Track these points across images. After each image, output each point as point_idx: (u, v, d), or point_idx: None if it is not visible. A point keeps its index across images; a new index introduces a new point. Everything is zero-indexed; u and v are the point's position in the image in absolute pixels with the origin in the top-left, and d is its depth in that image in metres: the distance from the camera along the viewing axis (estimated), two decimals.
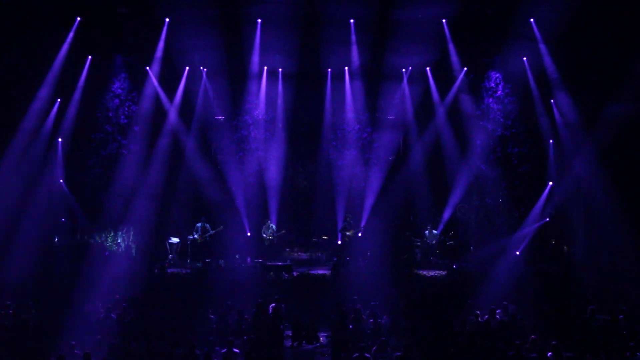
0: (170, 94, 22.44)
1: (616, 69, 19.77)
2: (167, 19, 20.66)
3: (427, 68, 22.55)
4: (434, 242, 21.84)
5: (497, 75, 22.16)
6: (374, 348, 14.05)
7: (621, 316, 15.78)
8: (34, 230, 19.84)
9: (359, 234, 21.70)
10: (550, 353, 13.26)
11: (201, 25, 19.97)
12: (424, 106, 22.99)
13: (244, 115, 23.03)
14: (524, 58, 21.51)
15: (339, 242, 21.95)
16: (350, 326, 15.56)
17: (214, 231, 21.52)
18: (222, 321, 15.80)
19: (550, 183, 21.22)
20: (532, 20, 20.20)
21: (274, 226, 22.24)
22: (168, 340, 14.58)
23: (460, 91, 22.45)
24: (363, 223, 22.17)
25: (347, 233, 21.73)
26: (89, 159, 21.74)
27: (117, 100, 21.93)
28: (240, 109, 23.03)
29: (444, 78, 22.56)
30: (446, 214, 22.30)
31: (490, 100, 22.22)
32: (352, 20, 20.86)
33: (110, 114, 21.91)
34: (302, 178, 24.01)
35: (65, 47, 20.43)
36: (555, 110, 21.60)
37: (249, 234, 22.28)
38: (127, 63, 22.02)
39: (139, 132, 21.97)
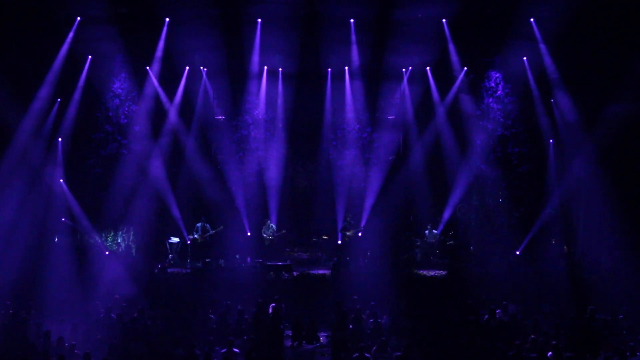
0: (170, 94, 22.44)
1: (616, 69, 19.81)
2: (167, 19, 20.67)
3: (427, 68, 22.54)
4: (434, 242, 21.85)
5: (497, 75, 22.15)
6: (374, 348, 14.03)
7: (621, 316, 15.81)
8: (34, 230, 19.84)
9: (359, 234, 21.66)
10: (550, 353, 13.26)
11: (201, 25, 19.98)
12: (424, 106, 22.99)
13: (244, 115, 23.00)
14: (524, 58, 21.54)
15: (339, 242, 21.92)
16: (350, 326, 15.54)
17: (214, 231, 21.52)
18: (222, 321, 15.79)
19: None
20: (532, 20, 20.22)
21: (274, 226, 22.24)
22: (168, 340, 14.58)
23: (460, 91, 22.44)
24: (363, 223, 22.14)
25: (347, 233, 21.71)
26: (89, 159, 21.74)
27: (117, 100, 21.91)
28: (240, 109, 23.00)
29: (444, 78, 22.56)
30: (446, 214, 22.30)
31: (490, 100, 22.21)
32: (352, 20, 20.88)
33: (111, 114, 21.88)
34: (302, 178, 24.00)
35: (65, 47, 20.47)
36: (555, 110, 21.63)
37: (249, 234, 22.26)
38: (127, 63, 22.00)
39: (139, 132, 21.96)
